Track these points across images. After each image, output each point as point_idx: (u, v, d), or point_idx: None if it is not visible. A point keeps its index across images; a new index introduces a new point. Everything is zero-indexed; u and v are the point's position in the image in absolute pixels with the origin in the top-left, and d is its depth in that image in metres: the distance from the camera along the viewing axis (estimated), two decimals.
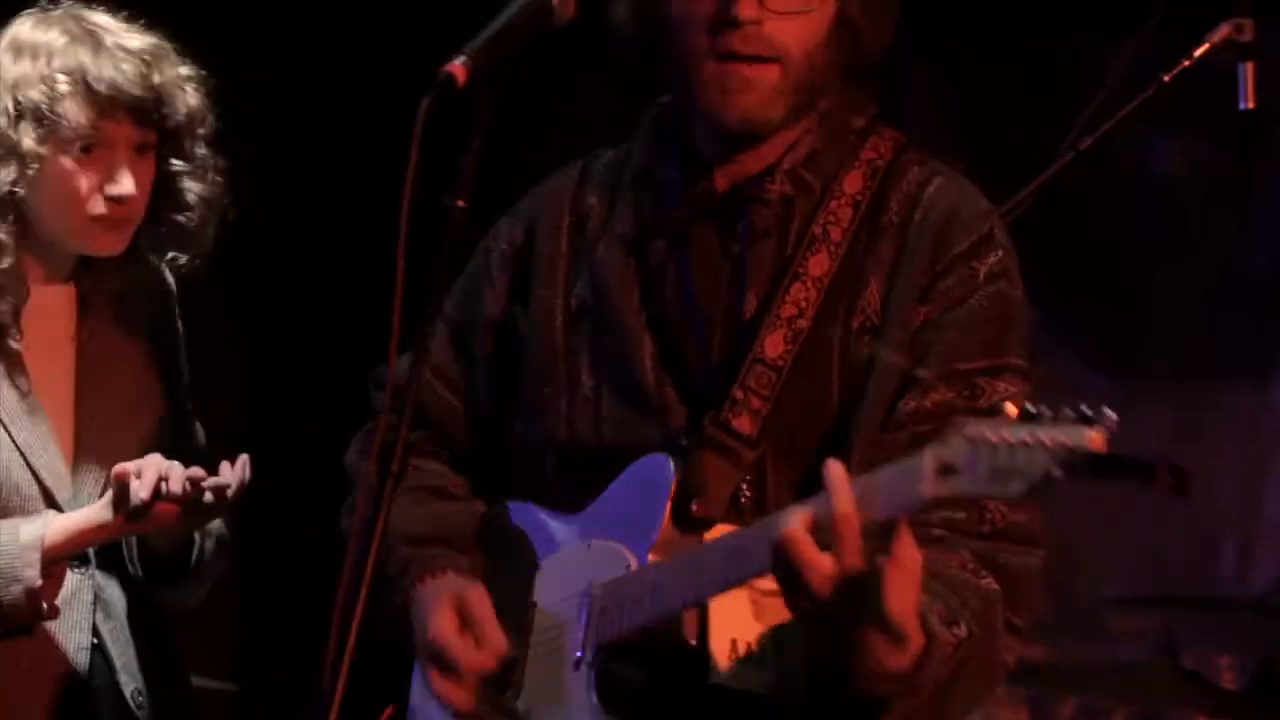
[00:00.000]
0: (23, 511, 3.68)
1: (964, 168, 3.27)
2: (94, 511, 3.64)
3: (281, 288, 6.06)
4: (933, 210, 3.17)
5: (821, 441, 3.09)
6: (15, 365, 3.73)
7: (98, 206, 3.70)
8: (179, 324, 3.96)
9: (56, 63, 3.68)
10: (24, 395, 3.72)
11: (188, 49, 3.78)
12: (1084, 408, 2.59)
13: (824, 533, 2.82)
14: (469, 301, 3.42)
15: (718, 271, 3.21)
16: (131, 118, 3.70)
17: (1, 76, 3.70)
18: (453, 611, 3.19)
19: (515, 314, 3.36)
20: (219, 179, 3.83)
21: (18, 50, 3.72)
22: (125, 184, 3.70)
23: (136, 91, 3.69)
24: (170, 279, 3.93)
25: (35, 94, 3.67)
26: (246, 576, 5.30)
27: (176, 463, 3.60)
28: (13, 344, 3.73)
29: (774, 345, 3.14)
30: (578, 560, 3.20)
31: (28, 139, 3.66)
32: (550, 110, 5.90)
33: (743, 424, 3.12)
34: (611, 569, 3.14)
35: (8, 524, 3.65)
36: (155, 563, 3.78)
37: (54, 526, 3.64)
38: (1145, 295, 5.88)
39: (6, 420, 3.70)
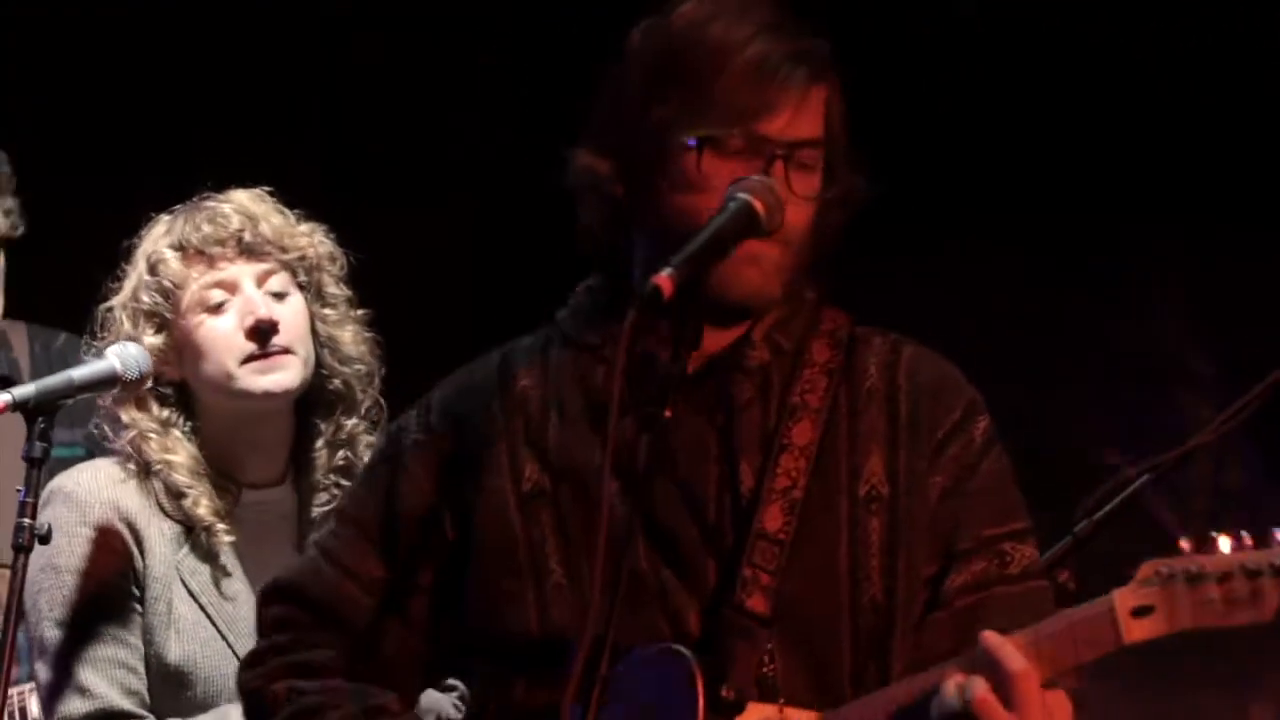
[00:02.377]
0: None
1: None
2: None
3: None
4: (917, 377, 3.20)
5: (827, 609, 3.09)
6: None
7: (244, 344, 3.85)
8: None
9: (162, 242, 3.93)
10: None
11: None
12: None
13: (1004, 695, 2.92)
14: (381, 496, 3.27)
15: (704, 443, 3.15)
16: (241, 254, 3.86)
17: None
18: None
19: (441, 510, 3.22)
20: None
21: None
22: (259, 307, 3.82)
23: (234, 227, 3.86)
24: None
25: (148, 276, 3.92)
26: None
27: None
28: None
29: (773, 519, 3.11)
30: None
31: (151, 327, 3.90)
32: None
33: (756, 603, 3.09)
34: None
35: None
36: None
37: None
38: None
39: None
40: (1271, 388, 3.82)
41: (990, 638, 2.92)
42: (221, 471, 3.97)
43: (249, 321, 3.87)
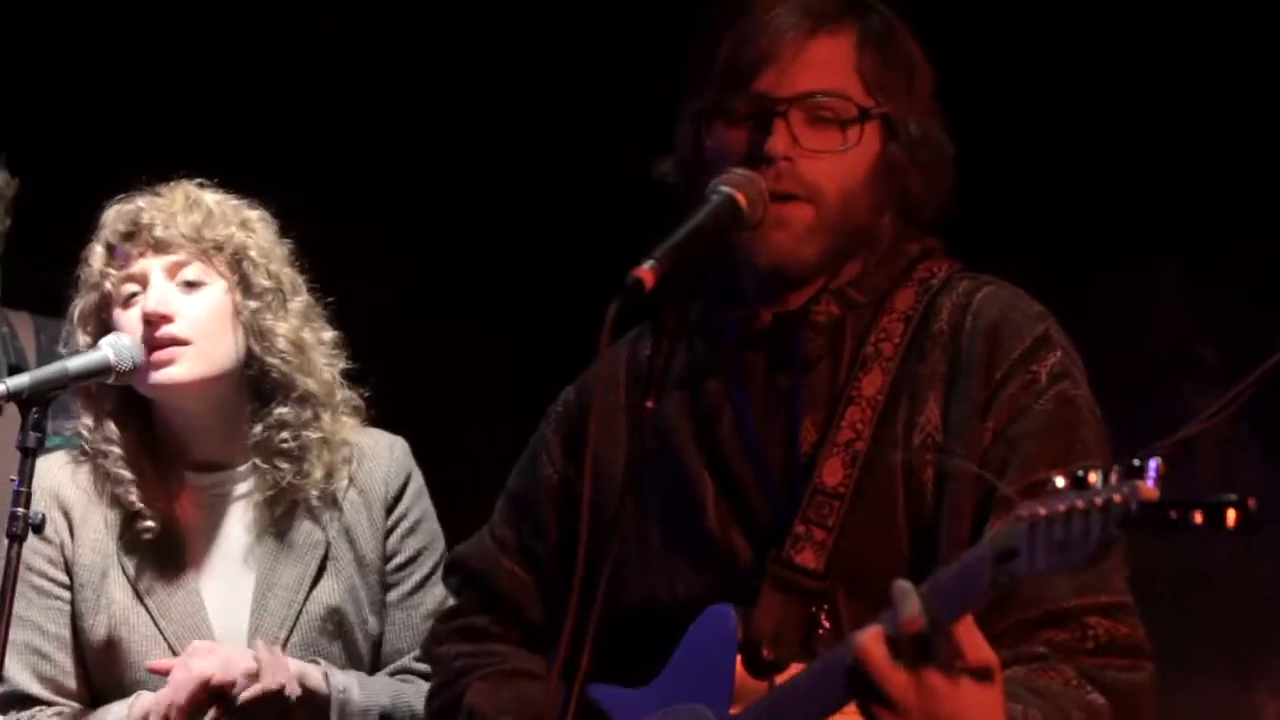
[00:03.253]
0: None
1: None
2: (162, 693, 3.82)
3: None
4: (982, 316, 3.09)
5: (892, 567, 2.95)
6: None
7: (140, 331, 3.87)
8: None
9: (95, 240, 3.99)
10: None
11: None
12: (1133, 461, 2.47)
13: (898, 647, 2.71)
14: (529, 469, 3.38)
15: (773, 403, 3.13)
16: (152, 248, 3.90)
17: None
18: None
19: (573, 476, 3.29)
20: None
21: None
22: (150, 300, 3.86)
23: (144, 221, 3.90)
24: None
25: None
26: None
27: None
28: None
29: (832, 473, 3.05)
30: None
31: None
32: None
33: (807, 559, 3.03)
34: None
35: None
36: None
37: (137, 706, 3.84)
38: None
39: None
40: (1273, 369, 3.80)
41: (898, 583, 2.71)
42: (174, 456, 3.99)
43: (145, 309, 3.91)
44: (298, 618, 3.94)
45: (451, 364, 5.01)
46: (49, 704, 3.97)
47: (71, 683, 3.98)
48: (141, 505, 3.96)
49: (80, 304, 3.98)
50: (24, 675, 3.97)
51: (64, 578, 3.99)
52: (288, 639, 3.93)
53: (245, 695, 3.80)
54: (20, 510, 3.63)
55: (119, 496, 3.97)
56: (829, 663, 2.85)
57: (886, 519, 3.05)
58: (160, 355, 3.88)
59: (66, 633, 3.98)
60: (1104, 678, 2.93)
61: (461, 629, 3.41)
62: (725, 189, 3.02)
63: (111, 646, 3.96)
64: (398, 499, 4.02)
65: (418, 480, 4.06)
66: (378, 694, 3.92)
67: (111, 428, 3.98)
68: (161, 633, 3.93)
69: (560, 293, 5.07)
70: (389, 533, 4.01)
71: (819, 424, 3.10)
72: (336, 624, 3.95)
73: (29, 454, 3.65)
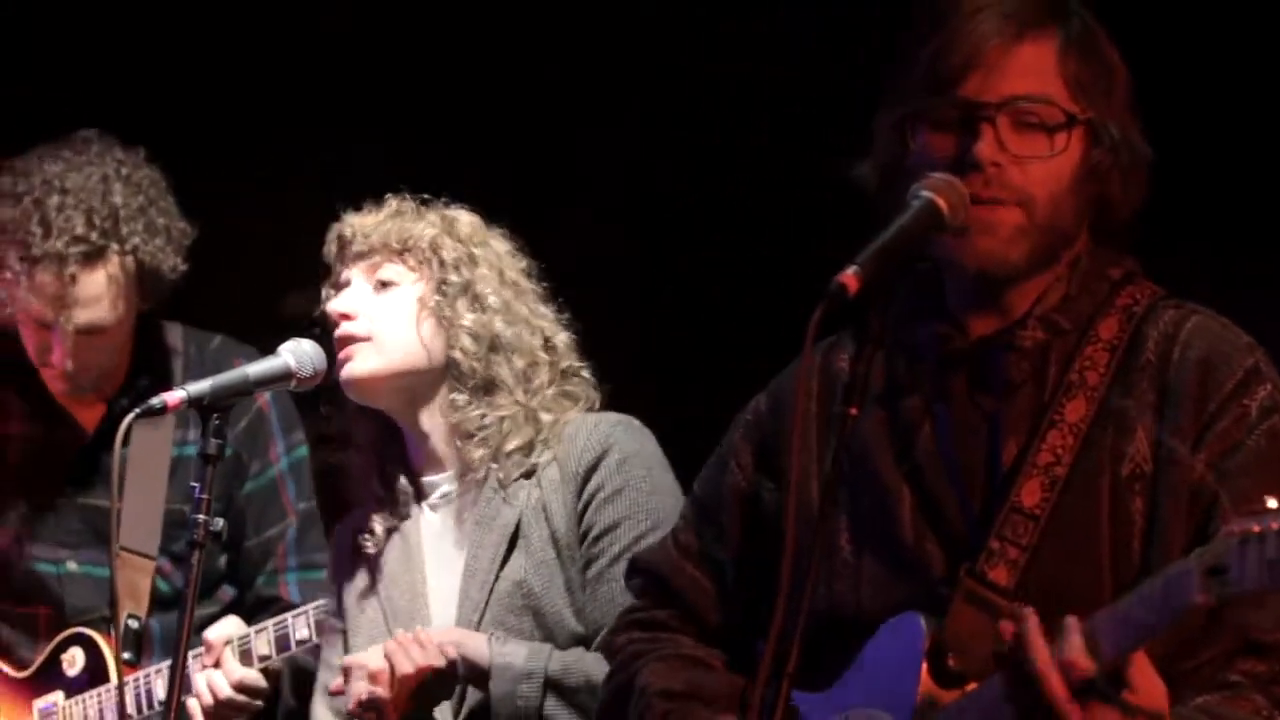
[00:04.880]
0: None
1: None
2: None
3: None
4: (1191, 348, 3.10)
5: (1087, 592, 2.99)
6: None
7: None
8: None
9: None
10: None
11: None
12: None
13: (1071, 679, 2.81)
14: (716, 476, 3.40)
15: (973, 422, 3.14)
16: (354, 259, 4.13)
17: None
18: None
19: (761, 485, 3.32)
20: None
21: None
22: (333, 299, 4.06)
23: (346, 236, 4.16)
24: None
25: None
26: None
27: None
28: None
29: (1031, 494, 3.07)
30: None
31: None
32: None
33: (999, 575, 3.05)
34: None
35: None
36: None
37: None
38: None
39: None
40: None
41: (1070, 620, 2.82)
42: (404, 454, 4.13)
43: None
44: (489, 596, 3.97)
45: (643, 369, 5.00)
46: None
47: None
48: (382, 522, 4.08)
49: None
50: (321, 712, 4.17)
51: (333, 605, 4.20)
52: (481, 618, 3.96)
53: (361, 699, 3.87)
54: (201, 517, 3.62)
55: (359, 497, 4.11)
56: (1008, 681, 2.89)
57: (1086, 545, 3.06)
58: (341, 355, 3.99)
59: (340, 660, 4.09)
60: None
61: (640, 620, 3.45)
62: (926, 193, 3.02)
63: (359, 650, 4.05)
64: (592, 471, 4.01)
65: (620, 453, 4.01)
66: (545, 660, 3.92)
67: (359, 429, 4.12)
68: (390, 632, 4.00)
69: (754, 294, 5.09)
70: (585, 508, 4.00)
71: (1019, 445, 3.11)
72: (524, 598, 3.96)
73: (210, 460, 3.66)
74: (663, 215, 5.49)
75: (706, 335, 5.41)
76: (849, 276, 2.87)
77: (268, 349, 3.87)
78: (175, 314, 4.81)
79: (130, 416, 3.64)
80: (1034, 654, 2.84)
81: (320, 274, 4.15)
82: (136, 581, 4.67)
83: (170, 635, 4.66)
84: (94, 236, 4.52)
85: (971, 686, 3.02)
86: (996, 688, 2.94)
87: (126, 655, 4.66)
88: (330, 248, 4.12)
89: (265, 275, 4.95)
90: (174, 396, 3.67)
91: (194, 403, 3.68)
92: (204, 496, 3.64)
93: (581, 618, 3.97)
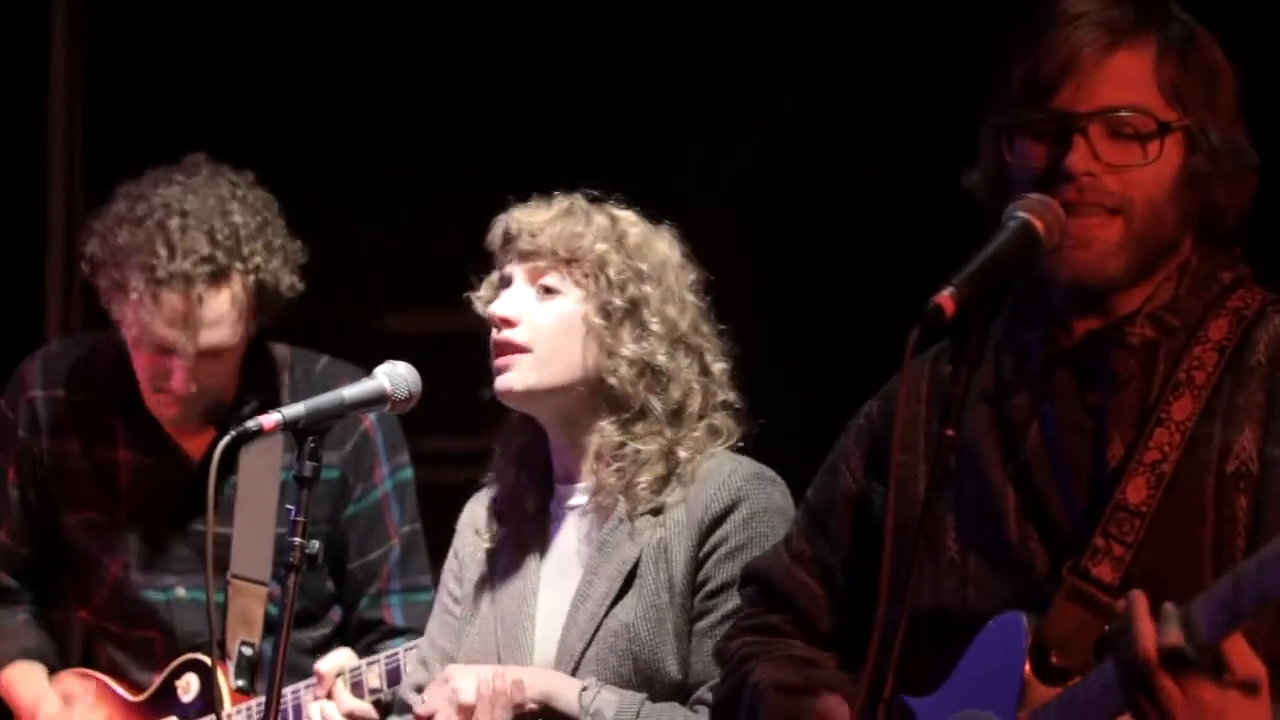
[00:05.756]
0: None
1: None
2: None
3: None
4: None
5: (1190, 587, 2.94)
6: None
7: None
8: None
9: None
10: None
11: None
12: None
13: (1170, 660, 2.82)
14: (828, 481, 3.41)
15: (1080, 419, 3.14)
16: (519, 256, 4.06)
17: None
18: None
19: (871, 489, 3.34)
20: None
21: None
22: (495, 301, 4.03)
23: (512, 232, 4.04)
24: None
25: None
26: None
27: None
28: None
29: (1136, 491, 3.06)
30: None
31: None
32: None
33: (1104, 572, 3.05)
34: None
35: None
36: None
37: None
38: None
39: None
40: None
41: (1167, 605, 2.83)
42: (549, 467, 4.09)
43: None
44: (596, 632, 3.91)
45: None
46: None
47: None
48: (508, 516, 4.05)
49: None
50: (406, 685, 4.15)
51: (459, 592, 4.11)
52: (584, 652, 3.92)
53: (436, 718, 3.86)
54: (297, 540, 3.60)
55: (493, 503, 4.08)
56: (1112, 666, 2.90)
57: (1190, 542, 3.06)
58: (499, 362, 3.95)
59: (452, 646, 4.09)
60: None
61: (753, 626, 3.46)
62: (1022, 215, 3.02)
63: (469, 653, 4.03)
64: (718, 523, 3.92)
65: (750, 508, 3.92)
66: (636, 715, 3.86)
67: (501, 439, 4.08)
68: (496, 642, 3.99)
69: (863, 310, 5.05)
70: (704, 558, 3.92)
71: (1126, 443, 3.11)
72: (629, 642, 3.89)
73: (305, 484, 3.62)
74: (776, 226, 5.46)
75: (818, 348, 5.36)
76: (945, 298, 2.88)
77: (372, 369, 3.83)
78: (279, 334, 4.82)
79: (226, 439, 3.62)
80: (1140, 634, 2.84)
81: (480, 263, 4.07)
82: (249, 608, 4.67)
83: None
84: (219, 256, 4.53)
85: (1075, 680, 3.01)
86: (1101, 675, 2.94)
87: (240, 682, 4.66)
88: (494, 239, 4.04)
89: (367, 293, 4.92)
90: (269, 419, 3.64)
91: (289, 425, 3.65)
92: (299, 519, 3.60)
93: (683, 666, 3.90)
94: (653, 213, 4.08)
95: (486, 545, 4.09)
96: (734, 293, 4.23)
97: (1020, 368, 3.21)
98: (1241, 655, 2.81)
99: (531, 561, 4.04)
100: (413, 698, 4.09)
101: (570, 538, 4.03)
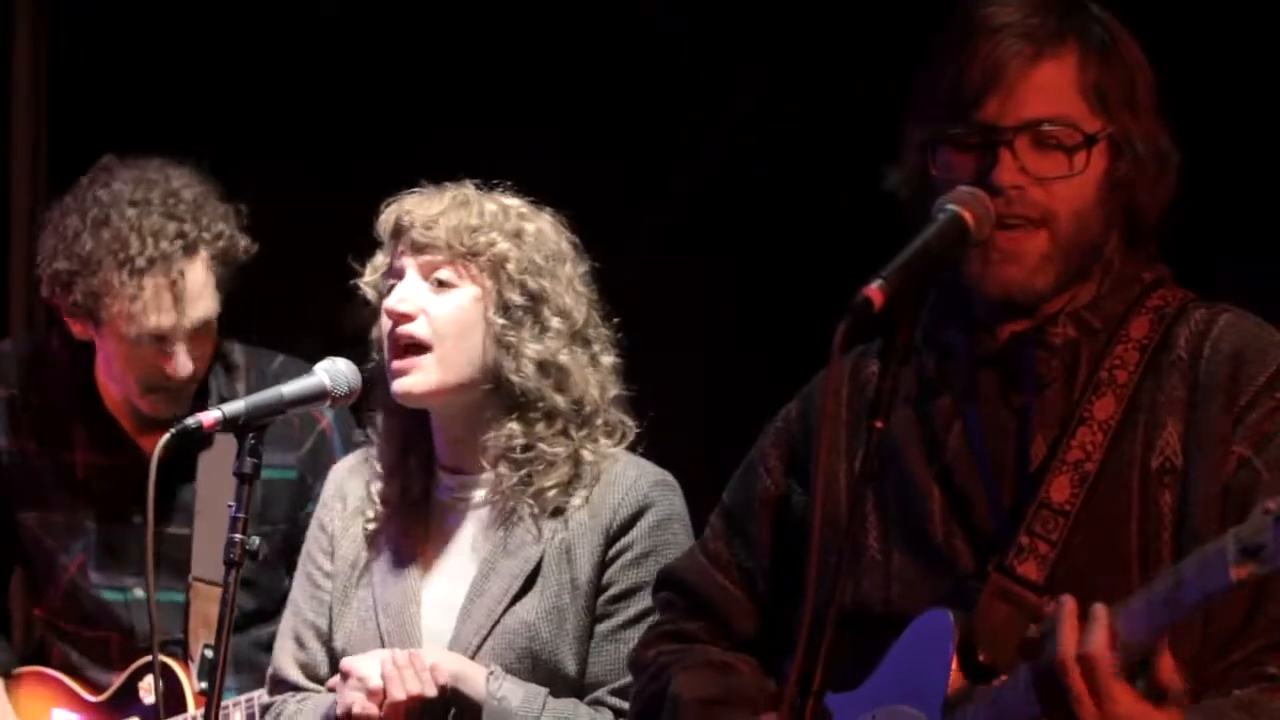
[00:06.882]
0: None
1: None
2: None
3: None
4: (1222, 344, 3.10)
5: (1115, 585, 2.98)
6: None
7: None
8: None
9: None
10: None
11: None
12: None
13: (1089, 664, 2.84)
14: (745, 484, 3.40)
15: (1004, 420, 3.15)
16: (412, 247, 4.01)
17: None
18: None
19: (791, 490, 3.34)
20: None
21: None
22: (392, 297, 3.96)
23: (404, 223, 3.97)
24: None
25: None
26: None
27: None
28: None
29: (1060, 490, 3.07)
30: None
31: None
32: None
33: (1029, 570, 3.06)
34: None
35: None
36: None
37: None
38: None
39: None
40: None
41: (1097, 608, 2.85)
42: (434, 457, 4.05)
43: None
44: (493, 628, 3.91)
45: (676, 383, 4.95)
46: (301, 689, 4.08)
47: (324, 670, 4.06)
48: (390, 501, 4.02)
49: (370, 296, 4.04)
50: (286, 660, 4.10)
51: (330, 567, 4.08)
52: (479, 648, 3.91)
53: (354, 712, 3.85)
54: (238, 536, 3.60)
55: (374, 490, 4.04)
56: (1032, 670, 2.92)
57: (1115, 540, 3.07)
58: (398, 364, 3.91)
59: (323, 622, 4.07)
60: None
61: (669, 633, 3.46)
62: (952, 207, 3.03)
63: (346, 637, 4.02)
64: (625, 529, 3.93)
65: (658, 514, 3.95)
66: (539, 710, 3.86)
67: (384, 422, 4.04)
68: (379, 628, 3.97)
69: (785, 305, 5.04)
70: (609, 562, 3.93)
71: (1049, 442, 3.12)
72: (529, 640, 3.90)
73: (246, 480, 3.65)
74: (687, 221, 5.43)
75: (735, 347, 5.34)
76: (874, 290, 2.87)
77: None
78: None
79: (165, 437, 3.63)
80: (1061, 643, 2.85)
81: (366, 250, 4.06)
82: (211, 611, 4.65)
83: (243, 658, 4.64)
84: (187, 229, 4.54)
85: (1001, 679, 3.01)
86: (1023, 677, 2.95)
87: (203, 685, 4.65)
88: (384, 228, 4.00)
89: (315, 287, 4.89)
90: (209, 417, 3.66)
91: (229, 422, 3.66)
92: (240, 516, 3.63)
93: (582, 667, 3.91)
94: (535, 200, 4.06)
95: (367, 526, 4.06)
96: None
97: (943, 368, 3.21)
98: (1164, 666, 2.83)
99: (418, 550, 4.02)
100: (296, 674, 4.10)
101: (465, 531, 4.01)
